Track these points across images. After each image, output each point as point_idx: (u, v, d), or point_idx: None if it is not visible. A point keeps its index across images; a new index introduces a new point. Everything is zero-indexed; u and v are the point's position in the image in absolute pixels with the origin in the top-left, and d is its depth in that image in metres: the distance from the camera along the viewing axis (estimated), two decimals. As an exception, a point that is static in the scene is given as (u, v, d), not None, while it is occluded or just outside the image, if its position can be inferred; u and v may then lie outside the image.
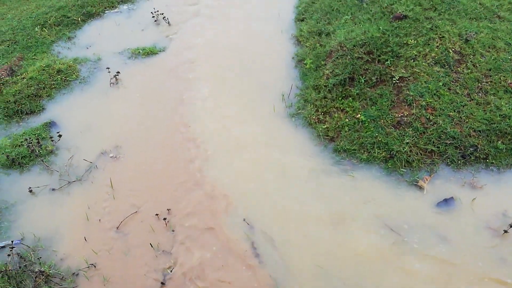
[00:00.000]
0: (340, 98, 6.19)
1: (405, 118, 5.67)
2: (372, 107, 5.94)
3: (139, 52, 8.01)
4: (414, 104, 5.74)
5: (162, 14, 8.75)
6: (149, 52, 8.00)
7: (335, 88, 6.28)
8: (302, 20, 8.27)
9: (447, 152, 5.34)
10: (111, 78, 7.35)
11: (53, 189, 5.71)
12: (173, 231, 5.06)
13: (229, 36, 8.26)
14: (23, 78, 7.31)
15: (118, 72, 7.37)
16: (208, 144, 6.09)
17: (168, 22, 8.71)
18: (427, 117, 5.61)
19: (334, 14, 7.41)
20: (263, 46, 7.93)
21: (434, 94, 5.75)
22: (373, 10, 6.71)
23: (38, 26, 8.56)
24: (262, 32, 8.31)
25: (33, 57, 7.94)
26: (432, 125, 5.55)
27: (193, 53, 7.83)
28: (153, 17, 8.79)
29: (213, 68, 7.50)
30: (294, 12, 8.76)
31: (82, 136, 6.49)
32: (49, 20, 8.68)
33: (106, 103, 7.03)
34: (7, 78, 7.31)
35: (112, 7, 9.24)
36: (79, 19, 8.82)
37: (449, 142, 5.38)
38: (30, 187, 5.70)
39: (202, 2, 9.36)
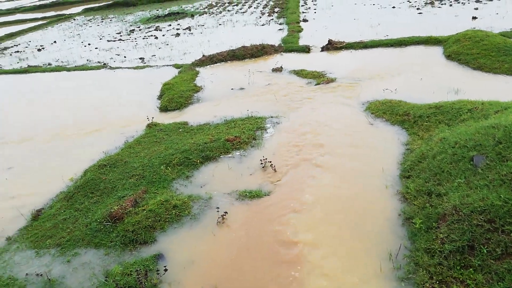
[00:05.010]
0: (458, 267, 5.63)
1: (545, 303, 4.85)
2: (499, 283, 5.23)
3: (246, 194, 8.55)
4: (554, 287, 4.94)
5: (270, 162, 9.50)
6: (255, 195, 8.48)
7: (451, 255, 5.78)
8: (408, 178, 8.24)
9: None
10: (218, 217, 7.81)
11: (151, 326, 5.72)
12: None
13: (333, 187, 8.48)
14: (144, 209, 8.13)
15: (225, 212, 7.83)
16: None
17: (275, 169, 9.36)
18: None
19: (444, 175, 7.28)
20: (368, 200, 7.92)
21: None
22: (490, 176, 6.45)
23: (164, 165, 9.84)
24: (366, 185, 8.40)
25: (155, 191, 8.93)
26: None
27: (297, 202, 8.09)
28: (261, 163, 9.58)
29: (315, 218, 7.57)
30: (399, 168, 8.84)
31: (184, 271, 6.69)
32: (174, 160, 9.96)
33: (211, 241, 7.33)
34: (131, 208, 8.20)
35: (227, 152, 10.37)
36: (198, 161, 9.99)
37: None
38: (130, 320, 5.80)
39: (307, 153, 10.02)
